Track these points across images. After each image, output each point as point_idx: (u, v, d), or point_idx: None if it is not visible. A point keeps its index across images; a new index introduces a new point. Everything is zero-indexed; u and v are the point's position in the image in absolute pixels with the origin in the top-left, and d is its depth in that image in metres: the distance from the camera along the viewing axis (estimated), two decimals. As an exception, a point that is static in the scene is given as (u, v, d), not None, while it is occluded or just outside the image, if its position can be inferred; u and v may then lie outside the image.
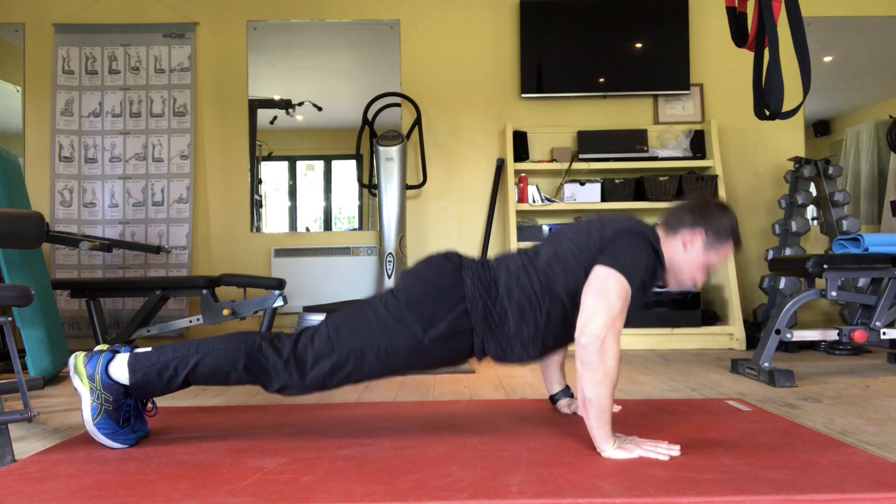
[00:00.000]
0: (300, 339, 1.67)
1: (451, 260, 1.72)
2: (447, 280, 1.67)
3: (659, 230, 1.73)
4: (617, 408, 2.02)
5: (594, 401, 1.49)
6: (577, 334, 1.51)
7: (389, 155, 3.86)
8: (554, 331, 1.67)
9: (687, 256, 1.69)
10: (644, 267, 1.59)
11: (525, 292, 1.65)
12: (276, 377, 1.64)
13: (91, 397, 1.61)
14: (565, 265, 1.66)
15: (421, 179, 4.18)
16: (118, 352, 1.66)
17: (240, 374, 1.63)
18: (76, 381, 1.63)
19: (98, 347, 1.69)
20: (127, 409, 1.65)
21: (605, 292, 1.52)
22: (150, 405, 1.73)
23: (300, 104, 4.32)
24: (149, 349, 1.67)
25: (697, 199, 1.75)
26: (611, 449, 1.50)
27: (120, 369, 1.62)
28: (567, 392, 2.03)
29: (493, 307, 1.65)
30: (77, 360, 1.65)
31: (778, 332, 2.69)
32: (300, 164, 4.46)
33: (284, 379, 1.63)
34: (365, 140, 4.21)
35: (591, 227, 1.70)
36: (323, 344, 1.64)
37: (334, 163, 4.45)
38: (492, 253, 4.22)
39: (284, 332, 1.72)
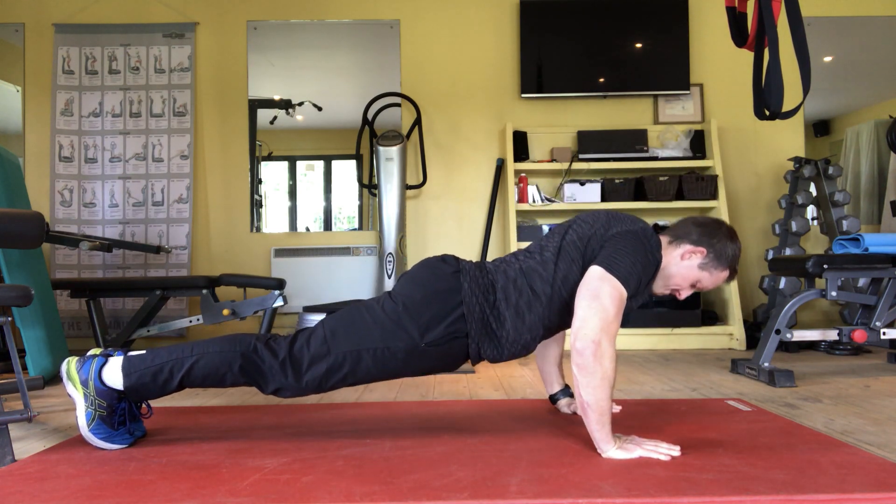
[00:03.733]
0: (296, 340, 1.66)
1: (448, 263, 1.71)
2: (444, 284, 1.66)
3: (663, 237, 1.74)
4: (617, 408, 2.02)
5: (593, 404, 1.48)
6: (571, 339, 1.50)
7: (389, 155, 3.86)
8: (552, 325, 1.69)
9: (680, 267, 1.70)
10: (640, 272, 1.59)
11: (523, 296, 1.65)
12: (272, 378, 1.63)
13: (85, 403, 1.61)
14: (566, 256, 1.67)
15: (421, 179, 4.18)
16: (111, 355, 1.65)
17: (235, 375, 1.63)
18: (69, 388, 1.63)
19: (91, 352, 1.68)
20: (121, 413, 1.65)
21: (599, 296, 1.52)
22: (144, 407, 1.72)
23: (300, 104, 4.32)
24: (143, 352, 1.66)
25: (710, 219, 1.75)
26: (611, 449, 1.50)
27: (113, 374, 1.61)
28: (567, 391, 2.03)
29: (490, 312, 1.65)
30: (70, 365, 1.64)
31: (778, 332, 2.69)
32: (300, 164, 4.46)
33: (280, 380, 1.63)
34: (365, 140, 4.21)
35: (597, 219, 1.71)
36: (319, 346, 1.64)
37: (334, 163, 4.45)
38: (491, 252, 4.22)
39: (280, 335, 1.72)
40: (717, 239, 1.69)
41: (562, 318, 1.69)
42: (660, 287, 1.74)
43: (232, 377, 1.63)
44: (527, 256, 1.73)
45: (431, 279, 1.68)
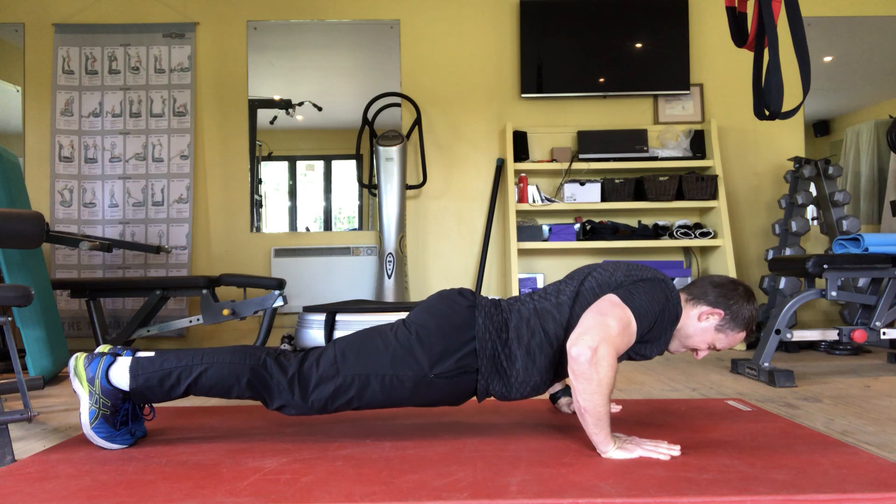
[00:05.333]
0: (307, 358, 1.67)
1: (465, 297, 1.71)
2: (459, 317, 1.66)
3: (681, 293, 1.72)
4: (617, 408, 2.02)
5: (590, 410, 1.48)
6: (568, 345, 1.49)
7: (389, 155, 3.86)
8: (563, 370, 1.65)
9: (697, 328, 1.69)
10: (657, 313, 1.58)
11: (535, 336, 1.65)
12: (278, 395, 1.64)
13: (90, 401, 1.61)
14: (583, 301, 1.65)
15: (421, 179, 4.18)
16: (119, 355, 1.65)
17: (242, 388, 1.63)
18: (76, 384, 1.62)
19: (99, 349, 1.67)
20: (124, 413, 1.65)
21: (605, 314, 1.52)
22: (147, 408, 1.73)
23: (300, 104, 4.32)
24: (151, 354, 1.66)
25: (727, 279, 1.73)
26: (611, 449, 1.50)
27: (121, 374, 1.61)
28: (567, 391, 2.03)
29: (501, 350, 1.64)
30: (78, 361, 1.64)
31: (778, 332, 2.69)
32: (300, 164, 4.46)
33: (286, 397, 1.63)
34: (365, 140, 4.22)
35: (617, 268, 1.70)
36: (328, 366, 1.64)
37: (334, 163, 4.45)
38: (491, 252, 4.22)
39: (290, 351, 1.72)
40: (734, 301, 1.67)
41: None
42: (677, 346, 1.74)
43: (238, 390, 1.63)
44: (542, 297, 1.72)
45: (447, 311, 1.68)
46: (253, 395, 1.65)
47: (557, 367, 1.66)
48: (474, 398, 1.72)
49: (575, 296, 1.67)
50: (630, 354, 1.66)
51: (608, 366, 1.45)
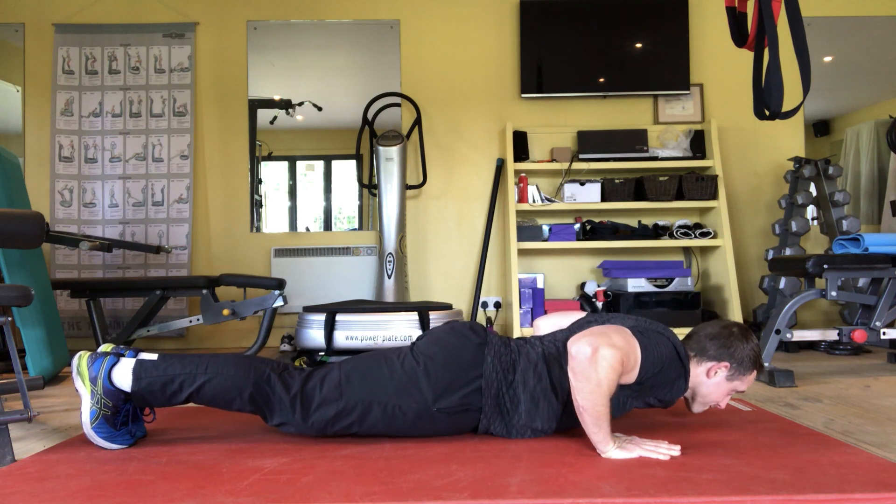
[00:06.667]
0: (311, 378, 1.67)
1: (476, 334, 1.71)
2: (468, 354, 1.66)
3: (687, 348, 1.71)
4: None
5: (589, 409, 1.48)
6: (568, 344, 1.50)
7: (389, 155, 3.86)
8: (571, 421, 1.65)
9: (711, 386, 1.69)
10: (661, 359, 1.58)
11: (542, 382, 1.64)
12: (279, 412, 1.64)
13: (91, 401, 1.61)
14: None
15: (421, 179, 4.18)
16: (122, 355, 1.65)
17: (244, 402, 1.63)
18: (78, 383, 1.63)
19: (102, 348, 1.68)
20: (125, 414, 1.65)
21: (610, 329, 1.52)
22: (147, 410, 1.72)
23: (300, 104, 4.32)
24: (154, 357, 1.66)
25: (719, 326, 1.72)
26: (611, 449, 1.50)
27: (123, 375, 1.61)
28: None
29: (506, 391, 1.64)
30: (81, 360, 1.64)
31: (778, 332, 2.69)
32: (300, 164, 4.46)
33: (287, 415, 1.64)
34: (365, 140, 4.21)
35: (625, 321, 1.70)
36: (332, 388, 1.64)
37: (334, 163, 4.45)
38: (491, 252, 4.22)
39: (294, 366, 1.72)
40: (734, 347, 1.67)
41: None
42: (699, 407, 1.74)
43: (240, 403, 1.64)
44: (551, 342, 1.72)
45: (457, 347, 1.68)
46: (254, 409, 1.65)
47: (561, 415, 1.66)
48: None
49: None
50: (635, 404, 1.67)
51: (609, 367, 1.45)
